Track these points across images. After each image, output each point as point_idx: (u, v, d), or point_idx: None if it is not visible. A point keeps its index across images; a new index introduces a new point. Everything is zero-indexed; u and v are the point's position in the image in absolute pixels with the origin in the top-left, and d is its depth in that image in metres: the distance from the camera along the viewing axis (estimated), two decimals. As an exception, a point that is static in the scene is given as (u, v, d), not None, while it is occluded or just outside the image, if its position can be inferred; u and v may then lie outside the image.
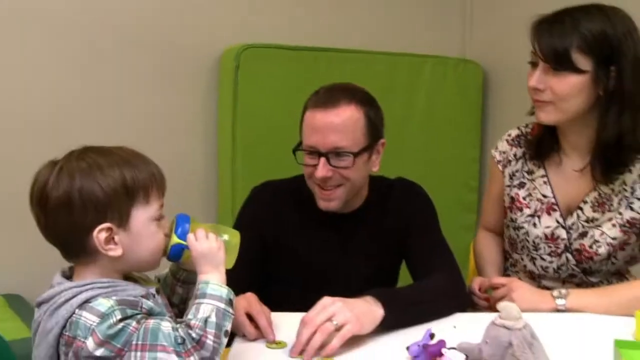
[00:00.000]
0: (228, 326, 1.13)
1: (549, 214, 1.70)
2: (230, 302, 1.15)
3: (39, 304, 1.12)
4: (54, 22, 2.59)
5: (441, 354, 1.20)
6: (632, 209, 1.60)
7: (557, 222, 1.69)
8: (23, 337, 2.13)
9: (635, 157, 1.58)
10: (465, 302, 1.62)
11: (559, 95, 1.54)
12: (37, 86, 2.58)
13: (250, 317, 1.40)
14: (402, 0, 3.22)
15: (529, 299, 1.56)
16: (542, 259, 1.72)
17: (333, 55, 2.88)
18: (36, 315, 1.11)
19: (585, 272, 1.69)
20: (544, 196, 1.71)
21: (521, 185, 1.76)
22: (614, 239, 1.62)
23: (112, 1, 2.65)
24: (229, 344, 1.39)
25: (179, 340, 1.06)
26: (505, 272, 1.88)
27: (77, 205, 1.09)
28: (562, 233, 1.68)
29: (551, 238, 1.69)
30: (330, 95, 1.60)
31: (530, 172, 1.75)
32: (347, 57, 2.90)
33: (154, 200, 1.16)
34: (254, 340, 1.38)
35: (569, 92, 1.53)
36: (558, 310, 1.54)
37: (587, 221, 1.65)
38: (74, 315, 1.06)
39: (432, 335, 1.27)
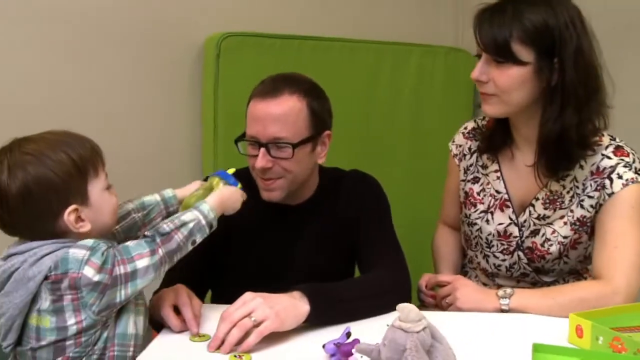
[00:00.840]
0: (198, 239, 1.29)
1: (502, 210, 1.64)
2: (210, 226, 1.31)
3: (10, 256, 1.19)
4: (35, 15, 2.56)
5: (352, 354, 1.17)
6: (582, 206, 1.54)
7: (510, 219, 1.63)
8: None
9: (584, 153, 1.51)
10: (406, 299, 1.56)
11: (501, 88, 1.47)
12: (18, 80, 2.56)
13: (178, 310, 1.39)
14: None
15: (473, 298, 1.52)
16: (495, 256, 1.66)
17: (317, 43, 2.81)
18: (6, 266, 1.17)
19: (538, 271, 1.63)
20: (497, 192, 1.65)
21: (475, 180, 1.71)
22: (565, 237, 1.56)
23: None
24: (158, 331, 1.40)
25: (148, 240, 1.23)
26: (462, 269, 1.83)
27: (37, 195, 1.16)
28: (515, 230, 1.62)
29: (504, 235, 1.64)
30: (274, 86, 1.57)
31: (484, 167, 1.70)
32: (330, 45, 2.83)
33: (101, 171, 1.26)
34: (180, 332, 1.36)
35: (510, 84, 1.46)
36: (502, 310, 1.48)
37: (538, 218, 1.59)
38: (60, 257, 1.15)
39: (348, 334, 1.23)
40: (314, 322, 1.36)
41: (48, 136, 1.22)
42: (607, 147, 1.52)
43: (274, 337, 1.30)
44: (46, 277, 1.14)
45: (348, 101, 2.94)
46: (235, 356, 1.24)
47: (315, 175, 1.69)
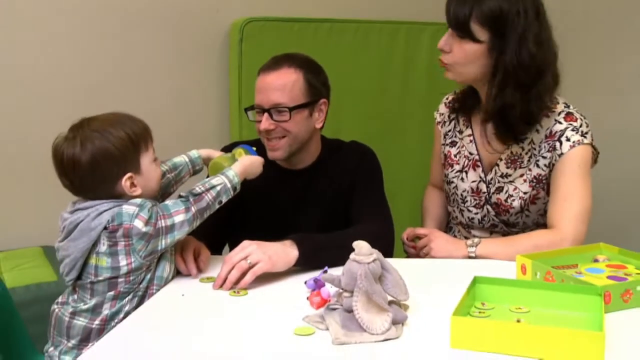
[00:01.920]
0: (224, 199, 1.58)
1: (474, 169, 1.87)
2: (235, 189, 1.60)
3: (75, 210, 1.46)
4: (73, 9, 2.82)
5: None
6: (538, 166, 1.75)
7: (480, 177, 1.86)
8: (53, 281, 2.49)
9: (529, 128, 1.72)
10: (389, 247, 1.79)
11: (455, 59, 1.71)
12: (54, 62, 2.82)
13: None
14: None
15: (445, 248, 1.76)
16: (469, 210, 1.90)
17: (332, 25, 3.04)
18: (73, 218, 1.45)
19: (506, 224, 1.85)
20: (470, 153, 1.88)
21: (453, 144, 1.94)
22: (525, 193, 1.78)
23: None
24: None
25: (183, 199, 1.52)
26: (447, 225, 2.07)
27: (101, 164, 1.43)
28: (484, 187, 1.85)
29: (475, 191, 1.87)
30: (275, 62, 1.86)
31: (460, 132, 1.93)
32: (345, 27, 3.06)
33: (150, 146, 1.53)
34: (188, 275, 1.63)
35: (465, 57, 1.69)
36: (470, 257, 1.72)
37: (502, 177, 1.82)
38: (116, 212, 1.42)
39: (325, 272, 1.50)
40: (302, 265, 1.62)
41: (110, 117, 1.50)
42: (559, 114, 1.73)
43: (268, 277, 1.56)
44: (105, 228, 1.42)
45: (364, 79, 3.16)
46: (234, 292, 1.51)
47: (317, 142, 1.94)
